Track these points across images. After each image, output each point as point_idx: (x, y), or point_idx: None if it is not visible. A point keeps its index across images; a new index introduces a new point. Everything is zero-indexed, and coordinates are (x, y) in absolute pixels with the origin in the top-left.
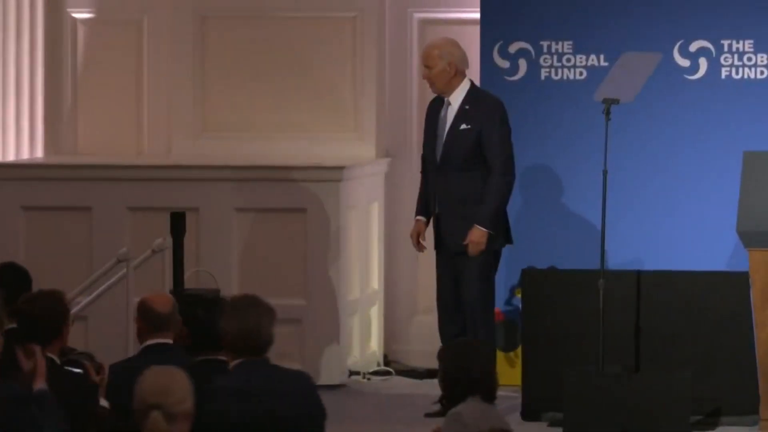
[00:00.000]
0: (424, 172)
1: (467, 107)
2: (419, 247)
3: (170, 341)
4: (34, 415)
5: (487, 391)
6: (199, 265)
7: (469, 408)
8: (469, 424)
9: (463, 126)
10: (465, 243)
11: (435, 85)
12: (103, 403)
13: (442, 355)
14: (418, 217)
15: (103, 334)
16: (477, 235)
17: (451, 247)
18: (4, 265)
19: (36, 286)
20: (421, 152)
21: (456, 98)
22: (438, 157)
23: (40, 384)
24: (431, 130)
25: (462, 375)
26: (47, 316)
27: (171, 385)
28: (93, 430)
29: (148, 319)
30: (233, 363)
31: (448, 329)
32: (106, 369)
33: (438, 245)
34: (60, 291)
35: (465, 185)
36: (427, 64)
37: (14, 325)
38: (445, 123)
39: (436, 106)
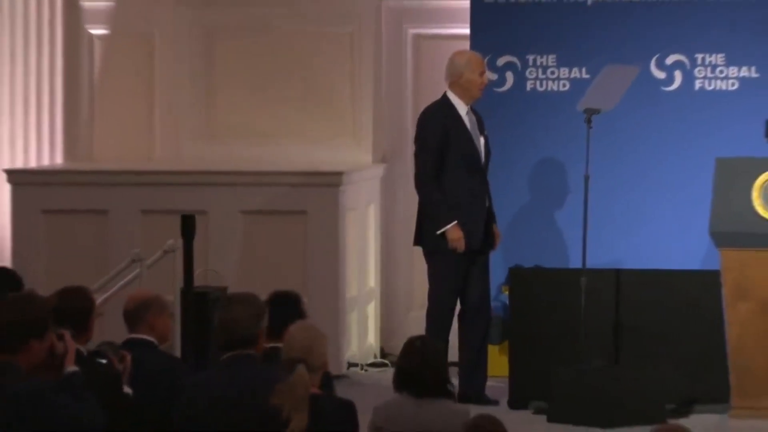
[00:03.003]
0: (442, 176)
1: (473, 116)
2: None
3: (144, 336)
4: (65, 404)
5: (422, 386)
6: (208, 264)
7: (394, 402)
8: (392, 416)
9: (484, 133)
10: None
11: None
12: (126, 390)
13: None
14: (455, 222)
15: (118, 329)
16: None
17: (493, 246)
18: None
19: (55, 285)
20: (435, 158)
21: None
22: (482, 159)
23: (70, 366)
24: (464, 134)
25: (403, 368)
26: (75, 310)
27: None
28: (117, 415)
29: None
30: (226, 355)
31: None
32: (128, 358)
33: (483, 245)
34: (86, 287)
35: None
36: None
37: None
38: (473, 128)
39: (446, 112)
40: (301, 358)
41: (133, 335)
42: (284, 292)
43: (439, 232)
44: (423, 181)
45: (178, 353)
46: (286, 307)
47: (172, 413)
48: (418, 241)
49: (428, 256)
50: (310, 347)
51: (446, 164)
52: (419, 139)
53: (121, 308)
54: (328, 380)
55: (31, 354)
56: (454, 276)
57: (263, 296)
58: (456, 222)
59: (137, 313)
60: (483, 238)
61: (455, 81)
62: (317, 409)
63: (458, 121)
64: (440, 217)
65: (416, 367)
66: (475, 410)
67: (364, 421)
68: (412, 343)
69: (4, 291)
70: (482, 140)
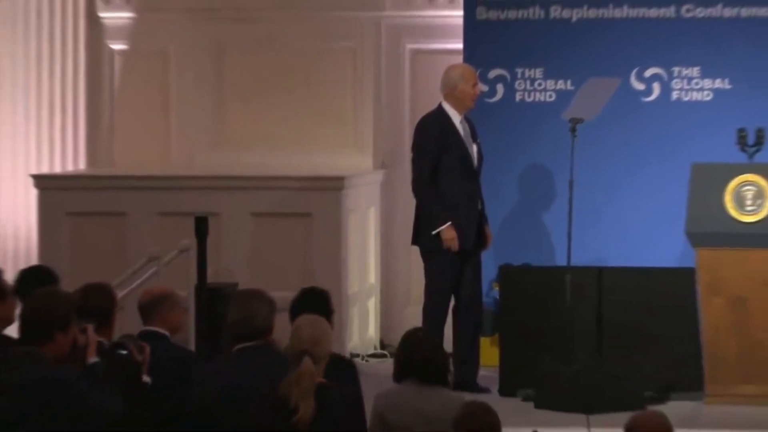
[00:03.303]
0: (437, 181)
1: (466, 125)
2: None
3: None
4: (86, 392)
5: (426, 375)
6: (220, 262)
7: (396, 390)
8: (394, 404)
9: (477, 140)
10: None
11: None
12: (145, 378)
13: (401, 340)
14: (450, 223)
15: (135, 322)
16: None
17: (485, 245)
18: (29, 270)
19: (78, 281)
20: (431, 164)
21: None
22: (475, 165)
23: (92, 357)
24: (458, 142)
25: (406, 359)
26: (98, 305)
27: (321, 336)
28: (137, 402)
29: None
30: (237, 347)
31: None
32: (147, 350)
33: (476, 244)
34: (108, 284)
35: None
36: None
37: None
38: (467, 136)
39: (441, 121)
40: (307, 350)
41: (147, 327)
42: (315, 289)
43: (434, 233)
44: (420, 185)
45: (192, 345)
46: (316, 302)
47: (186, 401)
48: (415, 241)
49: (425, 254)
50: (317, 339)
51: (442, 169)
52: (416, 147)
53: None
54: (352, 371)
55: (56, 346)
56: (448, 273)
57: (273, 292)
58: (450, 223)
59: (151, 307)
60: (475, 238)
61: (450, 92)
62: (323, 398)
63: (453, 129)
64: (436, 219)
65: (418, 357)
66: (468, 397)
67: (369, 408)
68: (413, 335)
69: (42, 287)
70: (475, 147)
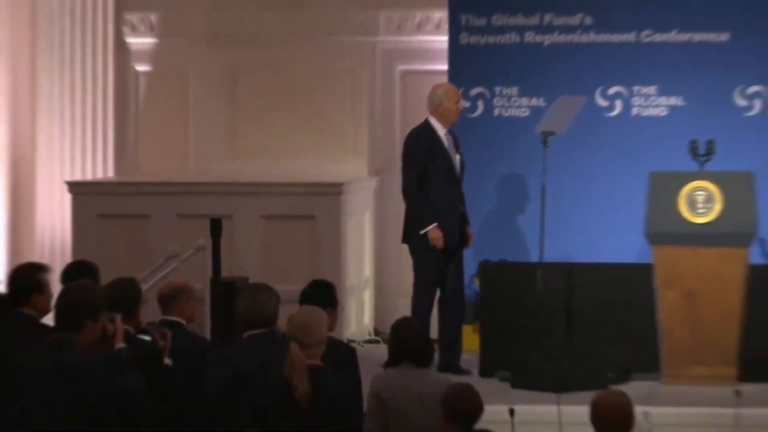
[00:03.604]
0: (424, 187)
1: (450, 137)
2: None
3: (174, 318)
4: (111, 376)
5: (419, 359)
6: (232, 259)
7: (392, 371)
8: (389, 385)
9: (460, 150)
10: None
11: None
12: (167, 361)
13: (392, 329)
14: (436, 224)
15: (156, 313)
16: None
17: (467, 244)
18: (74, 264)
19: (107, 276)
20: (419, 172)
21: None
22: (458, 173)
23: (119, 344)
24: (443, 153)
25: (399, 345)
26: (125, 297)
27: (309, 325)
28: (159, 383)
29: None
30: (246, 334)
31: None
32: (169, 335)
33: (459, 243)
34: (134, 278)
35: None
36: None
37: None
38: (450, 147)
39: (428, 134)
40: (296, 337)
41: (165, 317)
42: (321, 281)
43: (422, 232)
44: (409, 191)
45: (207, 333)
46: (321, 292)
47: (202, 382)
48: (405, 240)
49: (413, 252)
50: (305, 327)
51: (428, 177)
52: (406, 157)
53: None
54: (351, 356)
55: (87, 332)
56: (434, 269)
57: (281, 285)
58: (436, 224)
59: (169, 298)
60: (458, 238)
61: (435, 108)
62: (317, 380)
63: (438, 141)
64: (423, 220)
65: (409, 343)
66: (454, 379)
67: (365, 388)
68: (402, 324)
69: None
70: (458, 157)
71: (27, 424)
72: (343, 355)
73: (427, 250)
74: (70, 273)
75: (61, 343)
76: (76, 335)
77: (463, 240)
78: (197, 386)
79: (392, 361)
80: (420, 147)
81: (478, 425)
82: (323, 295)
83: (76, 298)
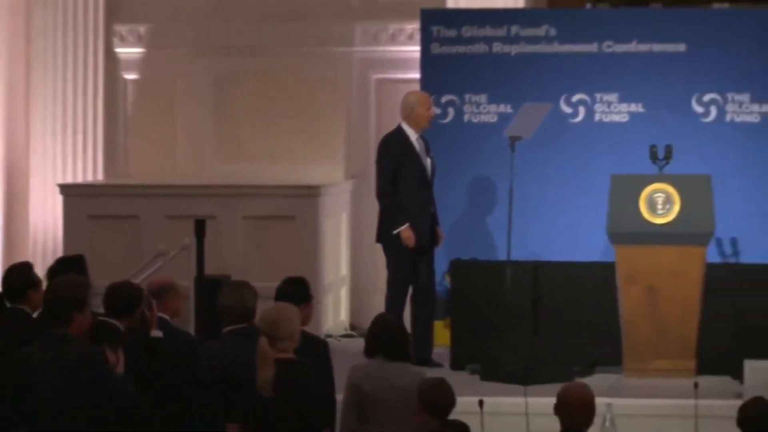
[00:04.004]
0: (397, 189)
1: (422, 142)
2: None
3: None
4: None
5: (392, 352)
6: (216, 259)
7: (368, 364)
8: (368, 375)
9: (431, 154)
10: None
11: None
12: (155, 333)
13: (370, 323)
14: (408, 224)
15: None
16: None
17: (438, 243)
18: (60, 260)
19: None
20: (391, 175)
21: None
22: (429, 176)
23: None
24: (415, 157)
25: (374, 339)
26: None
27: (279, 320)
28: (149, 356)
29: None
30: (226, 329)
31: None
32: (154, 305)
33: (430, 243)
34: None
35: None
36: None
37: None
38: (422, 152)
39: (400, 139)
40: (266, 331)
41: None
42: (295, 278)
43: (394, 233)
44: (382, 193)
45: (191, 327)
46: (295, 288)
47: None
48: (378, 239)
49: (386, 251)
50: (274, 322)
51: (400, 180)
52: (379, 161)
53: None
54: (323, 349)
55: (75, 325)
56: (406, 267)
57: (262, 282)
58: (408, 225)
59: (157, 295)
60: (429, 238)
61: (408, 115)
62: (289, 372)
63: (410, 146)
64: (396, 221)
65: (387, 336)
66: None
67: (342, 380)
68: (382, 319)
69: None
70: (429, 161)
71: (31, 422)
72: (316, 348)
73: (399, 249)
74: (57, 269)
75: (61, 339)
76: (67, 329)
77: (433, 240)
78: (185, 377)
79: (368, 352)
80: (392, 151)
81: (450, 416)
82: (297, 291)
83: (62, 293)
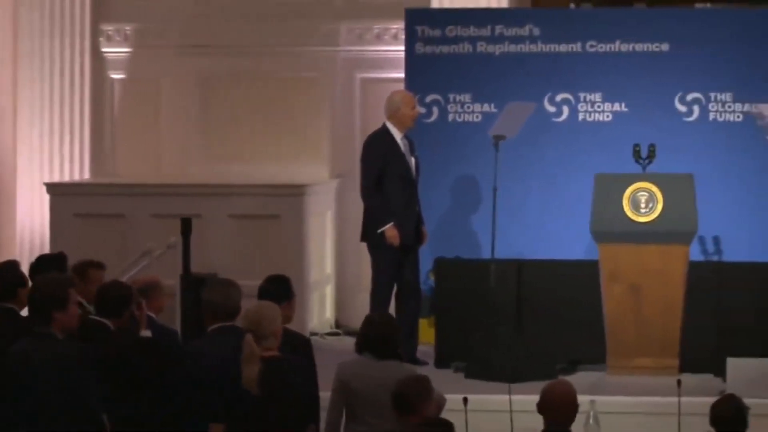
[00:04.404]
0: (381, 188)
1: (406, 141)
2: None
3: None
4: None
5: (378, 350)
6: (202, 257)
7: (357, 361)
8: (356, 373)
9: (415, 154)
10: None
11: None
12: (144, 332)
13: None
14: (392, 223)
15: None
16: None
17: (420, 242)
18: (42, 257)
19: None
20: (376, 174)
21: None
22: (414, 175)
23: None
24: (399, 156)
25: (361, 337)
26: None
27: (261, 319)
28: (138, 354)
29: None
30: (210, 327)
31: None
32: (143, 305)
33: (414, 241)
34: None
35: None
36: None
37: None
38: (406, 151)
39: (385, 138)
40: (250, 329)
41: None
42: (278, 276)
43: (379, 231)
44: (367, 192)
45: (177, 325)
46: (275, 286)
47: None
48: (363, 238)
49: (371, 249)
50: (257, 321)
51: (385, 179)
52: (364, 160)
53: None
54: (307, 346)
55: (57, 324)
56: (390, 265)
57: (247, 280)
58: (392, 223)
59: (142, 292)
60: (414, 236)
61: (393, 114)
62: (275, 369)
63: (394, 145)
64: (380, 220)
65: (374, 335)
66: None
67: (327, 377)
68: (370, 319)
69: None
70: (413, 160)
71: (28, 421)
72: (299, 345)
73: (383, 247)
74: (39, 267)
75: (39, 338)
76: (51, 328)
77: (418, 238)
78: (173, 375)
79: (358, 349)
80: (377, 151)
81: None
82: (278, 289)
83: (42, 293)
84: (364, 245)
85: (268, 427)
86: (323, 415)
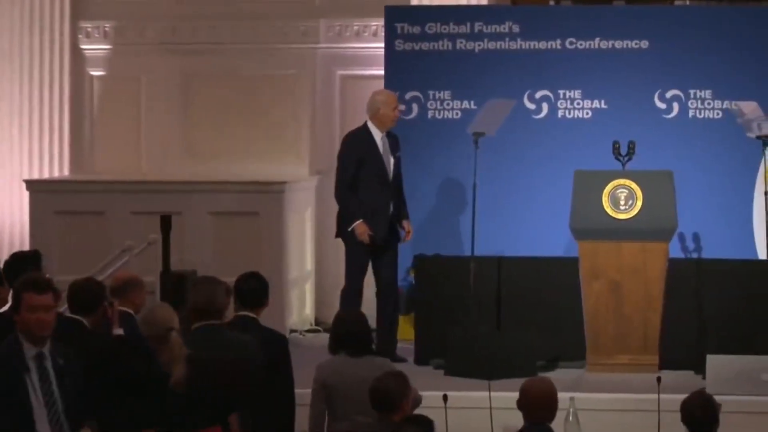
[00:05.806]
0: (356, 186)
1: (387, 140)
2: (371, 239)
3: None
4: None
5: (352, 348)
6: (182, 254)
7: (334, 360)
8: (335, 371)
9: (396, 154)
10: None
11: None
12: (117, 330)
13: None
14: (361, 220)
15: None
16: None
17: (402, 239)
18: (14, 255)
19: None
20: (350, 173)
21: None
22: (390, 176)
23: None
24: (376, 156)
25: (334, 336)
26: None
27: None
28: (112, 353)
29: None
30: (194, 326)
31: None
32: (116, 304)
33: (387, 240)
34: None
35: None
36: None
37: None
38: (386, 151)
39: (364, 137)
40: (171, 327)
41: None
42: (252, 273)
43: (349, 229)
44: (340, 190)
45: None
46: (253, 282)
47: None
48: (337, 234)
49: (345, 246)
50: (152, 323)
51: (360, 178)
52: (340, 158)
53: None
54: (284, 343)
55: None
56: (360, 260)
57: (227, 277)
58: (362, 220)
59: (121, 290)
60: (388, 234)
61: (374, 114)
62: (200, 366)
63: (373, 145)
64: (350, 217)
65: (345, 334)
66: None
67: (308, 374)
68: (339, 317)
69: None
70: (392, 160)
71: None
72: (275, 342)
73: (354, 244)
74: (12, 264)
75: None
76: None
77: (393, 236)
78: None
79: (332, 350)
80: (354, 150)
81: (415, 411)
82: (253, 284)
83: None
84: (342, 242)
85: (196, 425)
86: (300, 411)
